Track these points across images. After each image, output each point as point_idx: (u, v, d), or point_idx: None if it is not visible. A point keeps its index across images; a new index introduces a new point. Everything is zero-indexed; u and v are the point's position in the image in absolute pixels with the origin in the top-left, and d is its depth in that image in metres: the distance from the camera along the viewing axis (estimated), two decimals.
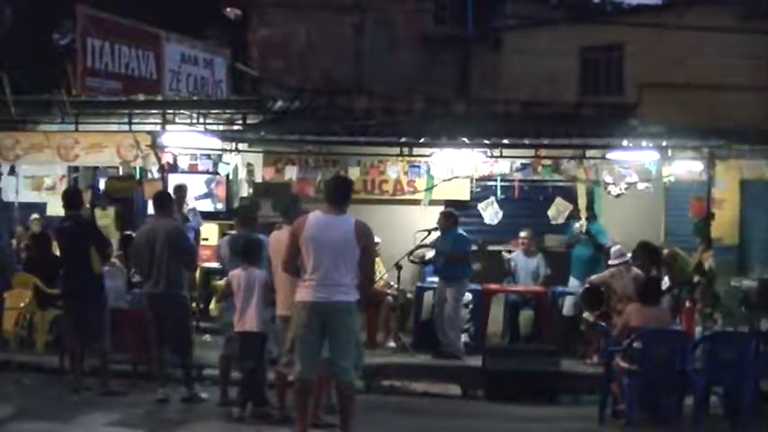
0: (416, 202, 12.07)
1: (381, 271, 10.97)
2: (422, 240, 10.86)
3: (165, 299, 8.10)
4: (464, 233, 10.75)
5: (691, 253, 10.61)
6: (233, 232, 8.70)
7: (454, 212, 10.83)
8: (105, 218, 12.56)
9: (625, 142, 10.98)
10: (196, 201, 12.02)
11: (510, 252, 11.72)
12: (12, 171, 12.84)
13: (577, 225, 11.44)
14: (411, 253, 10.77)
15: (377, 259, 10.60)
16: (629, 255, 10.10)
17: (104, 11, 14.24)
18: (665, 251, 10.57)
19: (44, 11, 16.64)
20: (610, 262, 10.23)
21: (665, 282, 10.23)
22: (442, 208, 11.33)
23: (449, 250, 10.42)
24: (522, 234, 11.50)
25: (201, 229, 11.73)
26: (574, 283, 11.23)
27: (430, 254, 10.81)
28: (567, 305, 11.05)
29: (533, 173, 11.64)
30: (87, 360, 8.60)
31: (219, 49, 16.64)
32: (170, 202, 8.75)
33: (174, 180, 11.92)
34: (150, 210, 13.17)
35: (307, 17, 17.83)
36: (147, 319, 8.29)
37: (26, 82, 13.04)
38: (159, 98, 13.22)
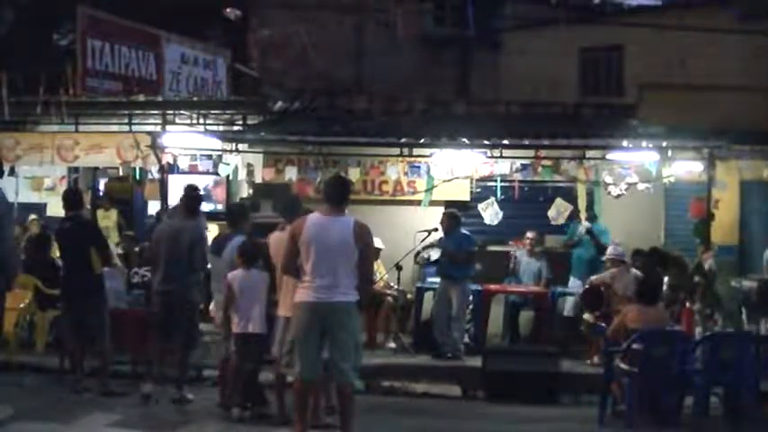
0: (416, 203, 12.07)
1: (381, 272, 10.98)
2: (422, 241, 10.87)
3: (177, 297, 8.10)
4: (468, 233, 10.77)
5: (692, 254, 10.64)
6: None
7: (457, 213, 10.84)
8: (106, 219, 12.57)
9: (625, 143, 11.00)
10: None
11: (515, 252, 11.77)
12: (12, 172, 12.84)
13: (581, 229, 11.37)
14: (417, 254, 10.78)
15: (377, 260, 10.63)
16: (624, 257, 10.15)
17: (104, 11, 14.24)
18: (674, 253, 10.57)
19: (44, 11, 16.62)
20: (605, 258, 10.23)
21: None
22: (442, 209, 11.34)
23: (454, 251, 10.43)
24: (529, 235, 11.53)
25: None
26: (575, 283, 11.23)
27: (434, 254, 10.79)
28: (568, 306, 11.06)
29: (533, 173, 11.65)
30: (87, 361, 8.60)
31: (220, 50, 16.63)
32: (198, 204, 8.64)
33: (174, 181, 11.96)
34: (150, 210, 13.25)
35: (307, 17, 17.81)
36: (152, 315, 8.28)
37: (26, 82, 13.03)
38: (159, 99, 13.22)
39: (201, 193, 10.33)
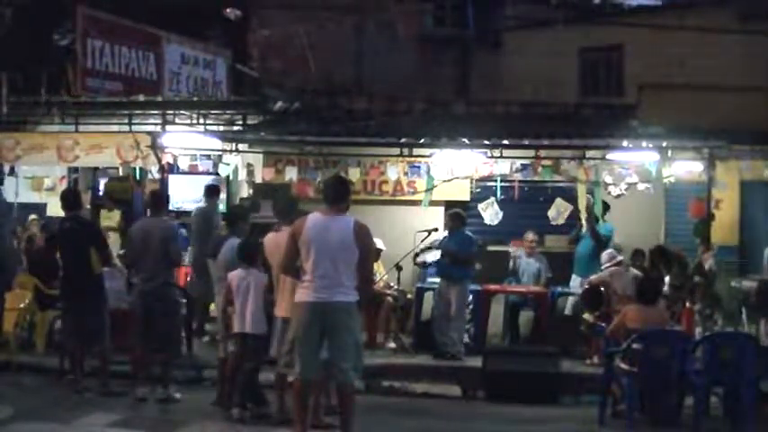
0: (416, 203, 12.06)
1: (381, 272, 10.98)
2: (422, 241, 10.87)
3: (156, 296, 8.14)
4: (471, 234, 10.77)
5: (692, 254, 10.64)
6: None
7: (462, 213, 10.85)
8: (108, 220, 12.55)
9: (625, 143, 11.00)
10: (195, 203, 12.02)
11: (515, 252, 11.77)
12: (12, 172, 12.84)
13: (582, 218, 11.32)
14: (417, 255, 10.78)
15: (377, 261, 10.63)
16: (620, 257, 10.15)
17: (104, 11, 14.24)
18: (677, 252, 10.57)
19: (44, 11, 16.63)
20: (602, 267, 10.22)
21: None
22: (442, 209, 11.33)
23: (455, 250, 10.43)
24: (530, 236, 11.52)
25: None
26: (576, 281, 11.20)
27: (430, 257, 10.80)
28: (570, 305, 11.04)
29: (533, 173, 11.64)
30: (87, 361, 8.60)
31: (220, 50, 16.64)
32: (165, 203, 8.76)
33: (174, 181, 11.95)
34: None
35: (307, 18, 17.81)
36: (134, 315, 8.31)
37: (26, 82, 13.03)
38: (159, 99, 13.22)
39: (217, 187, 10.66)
